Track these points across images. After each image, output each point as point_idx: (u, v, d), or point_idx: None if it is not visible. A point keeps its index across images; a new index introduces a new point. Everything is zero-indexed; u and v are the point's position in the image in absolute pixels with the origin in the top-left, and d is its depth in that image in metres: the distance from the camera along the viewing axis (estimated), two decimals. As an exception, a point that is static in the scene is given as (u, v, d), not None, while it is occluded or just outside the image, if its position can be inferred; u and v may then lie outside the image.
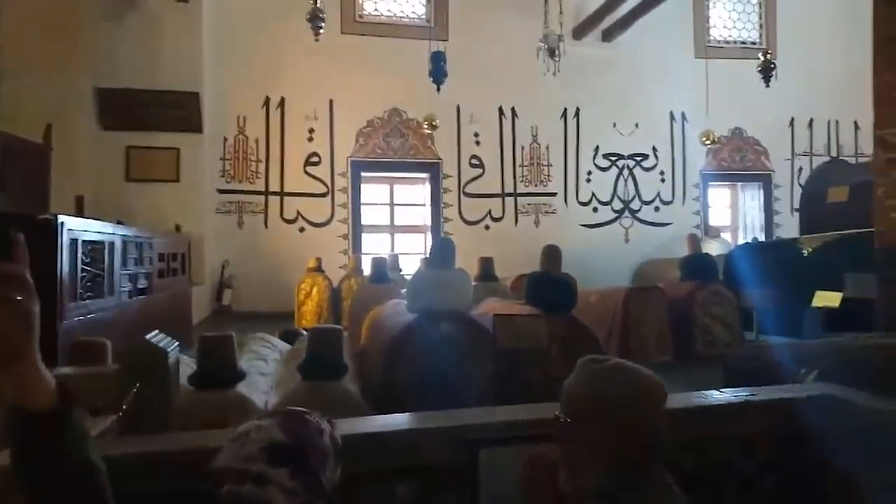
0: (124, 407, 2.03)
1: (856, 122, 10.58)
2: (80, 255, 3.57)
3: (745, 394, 2.02)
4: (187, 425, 2.87)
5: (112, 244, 4.10)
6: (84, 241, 3.65)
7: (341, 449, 0.92)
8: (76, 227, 3.56)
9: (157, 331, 2.56)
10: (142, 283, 4.78)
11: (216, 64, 8.26)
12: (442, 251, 3.32)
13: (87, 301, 3.71)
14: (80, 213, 5.85)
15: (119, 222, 4.76)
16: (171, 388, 2.45)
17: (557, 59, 5.10)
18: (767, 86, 5.93)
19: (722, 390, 2.08)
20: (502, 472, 1.69)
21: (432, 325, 3.07)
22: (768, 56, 5.77)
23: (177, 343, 2.57)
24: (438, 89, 5.76)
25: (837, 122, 10.61)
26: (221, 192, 8.74)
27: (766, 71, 5.69)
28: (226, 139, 8.78)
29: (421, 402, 2.95)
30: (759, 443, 1.96)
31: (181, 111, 7.44)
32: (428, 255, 3.75)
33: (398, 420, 1.78)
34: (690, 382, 4.48)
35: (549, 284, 3.55)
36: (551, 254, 3.73)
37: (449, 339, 3.05)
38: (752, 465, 1.96)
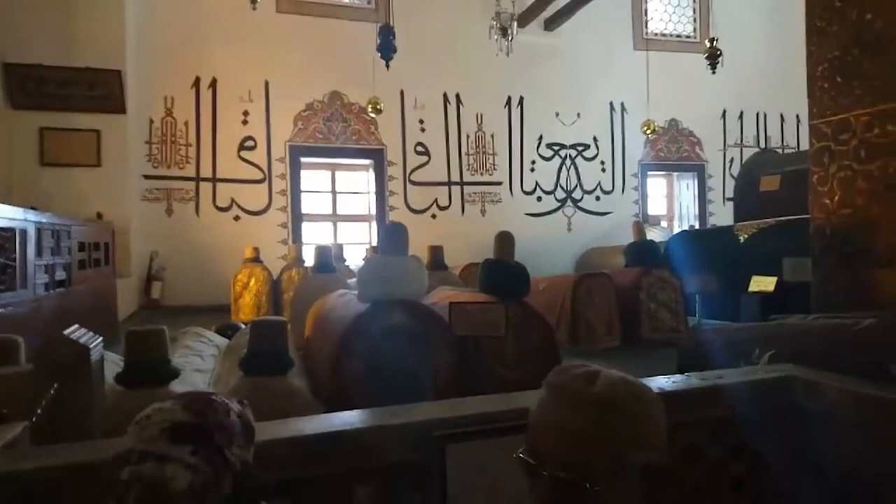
0: (38, 412, 1.77)
1: (782, 115, 11.13)
2: (-15, 242, 3.20)
3: (713, 377, 1.98)
4: (115, 428, 2.61)
5: (24, 231, 3.71)
6: (-11, 228, 3.28)
7: (252, 428, 0.93)
8: (-21, 212, 3.17)
9: (76, 325, 2.27)
10: (60, 275, 4.37)
11: (140, 39, 7.70)
12: (394, 237, 3.16)
13: (-4, 294, 3.33)
14: (-13, 198, 5.31)
15: (33, 209, 4.32)
16: (93, 389, 2.17)
17: (510, 38, 4.99)
18: (714, 72, 6.07)
19: (688, 374, 2.04)
20: (470, 468, 1.58)
21: (385, 315, 2.91)
22: (715, 43, 5.89)
23: (100, 339, 2.29)
24: (387, 66, 5.55)
25: (766, 114, 11.11)
26: (148, 177, 8.19)
27: (713, 58, 5.82)
28: (152, 121, 8.22)
29: (376, 396, 2.80)
30: (726, 427, 1.93)
31: (101, 90, 6.89)
32: (378, 242, 3.57)
33: (355, 417, 1.62)
34: (641, 367, 4.55)
35: (504, 271, 3.45)
36: (505, 241, 3.64)
37: (404, 329, 2.90)
38: (719, 450, 1.93)
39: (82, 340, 2.27)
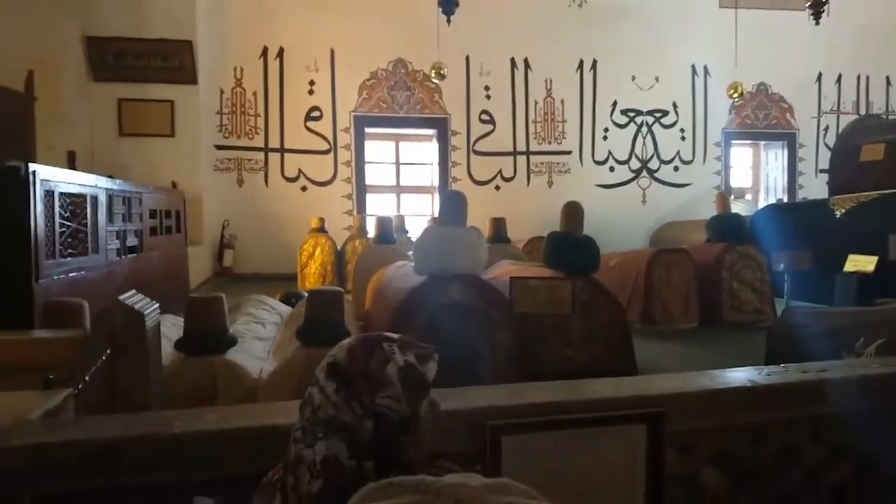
0: (86, 379, 1.74)
1: (888, 78, 10.03)
2: (57, 207, 3.28)
3: (815, 370, 1.71)
4: (173, 394, 2.63)
5: (95, 198, 3.80)
6: (62, 194, 3.36)
7: (421, 383, 0.91)
8: (52, 178, 3.25)
9: (133, 291, 2.25)
10: (131, 241, 4.51)
11: (210, 11, 7.78)
12: (452, 206, 2.99)
13: (69, 258, 3.43)
14: (72, 168, 5.55)
15: (110, 177, 4.45)
16: (148, 356, 2.15)
17: (586, -10, 4.62)
18: (817, 23, 5.42)
19: (785, 366, 1.77)
20: (528, 464, 1.41)
21: (442, 290, 2.77)
22: (820, -11, 5.23)
23: (156, 305, 2.27)
24: (448, 21, 5.30)
25: (868, 77, 10.03)
26: (220, 147, 8.37)
27: (817, 6, 5.18)
28: (222, 91, 8.36)
29: (430, 373, 2.68)
30: (829, 427, 1.67)
31: (174, 61, 7.04)
32: (437, 212, 3.43)
33: (405, 399, 1.48)
34: (721, 352, 4.22)
35: (572, 245, 3.22)
36: (573, 212, 3.39)
37: (460, 304, 2.75)
38: (820, 453, 1.68)
39: (137, 306, 2.25)
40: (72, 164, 5.76)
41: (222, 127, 8.40)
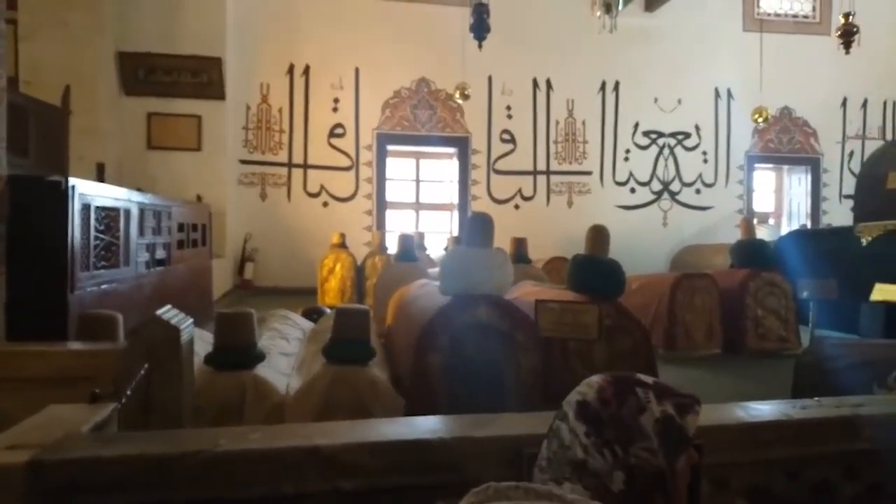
0: (128, 393, 1.78)
1: (913, 104, 9.95)
2: (93, 221, 3.37)
3: (850, 404, 1.70)
4: (202, 409, 2.66)
5: (128, 211, 3.89)
6: (97, 207, 3.45)
7: (680, 439, 0.86)
8: (89, 192, 3.34)
9: (169, 306, 2.30)
10: (160, 254, 4.59)
11: (239, 28, 7.98)
12: (480, 229, 3.01)
13: (102, 270, 3.51)
14: (101, 180, 5.69)
15: (139, 190, 4.55)
16: (183, 370, 2.19)
17: (614, 15, 4.66)
18: (847, 52, 5.41)
19: (819, 399, 1.76)
20: (562, 490, 1.42)
21: (468, 310, 2.78)
22: (850, 19, 5.21)
23: (191, 320, 2.31)
24: (480, 46, 5.37)
25: (894, 103, 9.95)
26: (244, 162, 8.52)
27: (847, 35, 5.16)
28: (248, 107, 8.54)
29: (457, 393, 2.69)
30: (865, 463, 1.65)
31: (203, 77, 7.21)
32: (463, 233, 3.45)
33: (440, 424, 1.50)
34: (745, 381, 4.17)
35: (598, 269, 3.23)
36: (600, 236, 3.40)
37: (487, 325, 2.76)
38: (856, 490, 1.66)
39: (174, 321, 2.30)
40: (101, 175, 5.90)
41: (247, 142, 8.56)
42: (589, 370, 3.20)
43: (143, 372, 2.06)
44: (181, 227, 5.25)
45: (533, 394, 2.72)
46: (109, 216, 3.62)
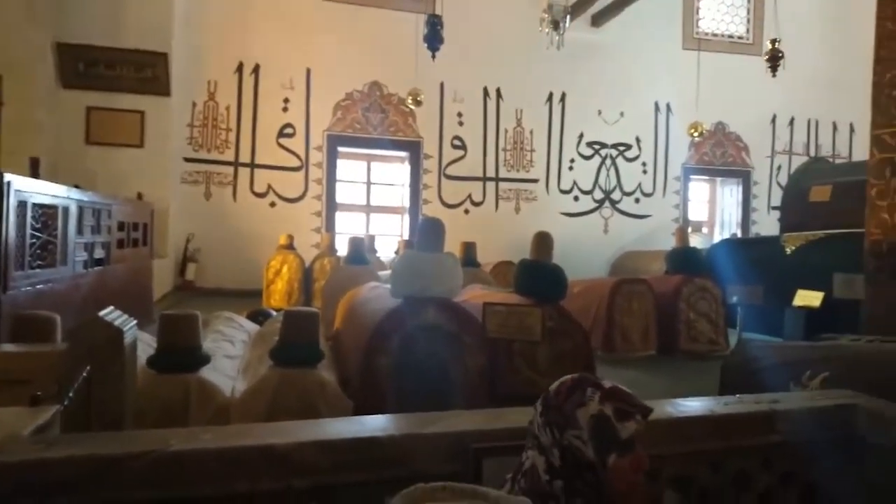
0: (70, 395, 1.75)
1: (834, 123, 10.69)
2: (29, 218, 3.24)
3: (767, 401, 1.86)
4: (144, 412, 2.61)
5: (66, 209, 3.76)
6: (34, 205, 3.32)
7: (610, 437, 0.99)
8: (25, 189, 3.22)
9: (111, 307, 2.26)
10: (99, 254, 4.44)
11: (186, 23, 7.78)
12: (431, 233, 3.08)
13: (37, 270, 3.38)
14: (35, 176, 5.43)
15: (76, 187, 4.39)
16: (126, 373, 2.16)
17: (561, 32, 4.83)
18: (774, 75, 5.81)
19: (740, 396, 1.92)
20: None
21: (419, 312, 2.85)
22: (777, 44, 5.61)
23: (134, 321, 2.27)
24: (433, 57, 5.47)
25: (817, 121, 10.68)
26: (188, 160, 8.30)
27: (774, 60, 5.55)
28: (195, 104, 8.32)
29: (404, 395, 2.74)
30: (780, 454, 1.81)
31: (147, 72, 6.99)
32: (415, 237, 3.52)
33: (389, 423, 1.56)
34: (677, 380, 4.40)
35: (542, 274, 3.35)
36: (544, 241, 3.53)
37: (437, 327, 2.83)
38: (770, 479, 1.81)
39: (117, 323, 2.26)
40: (34, 171, 5.62)
41: (192, 140, 8.35)
42: (532, 370, 3.33)
43: (84, 374, 2.02)
44: (121, 226, 5.09)
45: (479, 393, 2.81)
46: (46, 214, 3.49)
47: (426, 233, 3.06)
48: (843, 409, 1.84)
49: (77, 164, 6.66)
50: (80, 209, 4.00)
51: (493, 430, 1.52)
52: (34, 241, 3.30)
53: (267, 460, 1.32)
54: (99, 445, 1.30)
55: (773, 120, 10.57)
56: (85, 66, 6.79)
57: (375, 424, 1.54)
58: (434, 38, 5.28)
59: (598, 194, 9.86)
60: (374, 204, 9.41)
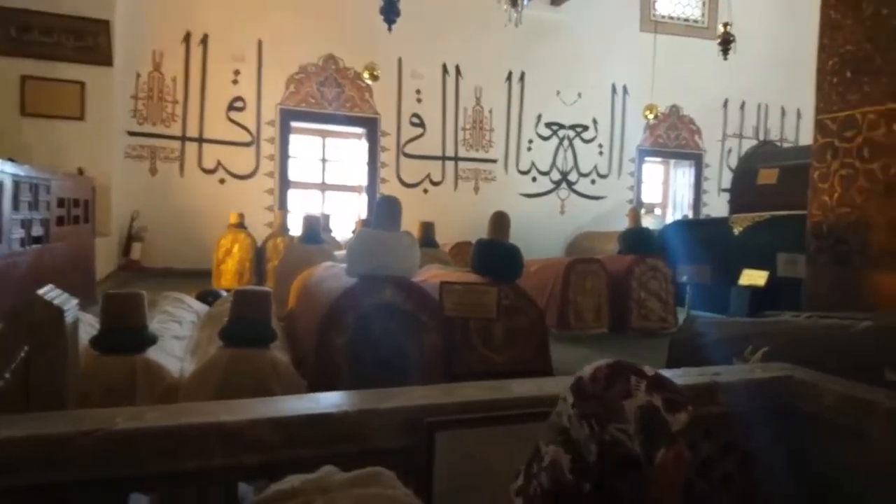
0: (6, 376, 1.67)
1: (783, 108, 11.07)
2: (-43, 193, 3.05)
3: (710, 373, 1.93)
4: (88, 393, 2.52)
5: (1, 183, 3.54)
6: (-37, 178, 3.12)
7: (660, 430, 0.87)
8: (-48, 161, 3.01)
9: (51, 285, 2.16)
10: (37, 231, 4.22)
11: (131, -11, 7.39)
12: (387, 211, 3.06)
13: (-33, 247, 3.19)
14: (-38, 147, 5.12)
15: (10, 160, 4.15)
16: (67, 353, 2.07)
17: (520, 9, 4.81)
18: (725, 58, 5.95)
19: (685, 369, 1.99)
20: (459, 456, 1.52)
21: (374, 291, 2.83)
22: (728, 28, 5.74)
23: (76, 300, 2.18)
24: (389, 29, 5.35)
25: (767, 106, 11.03)
26: (132, 134, 7.95)
27: (726, 43, 5.68)
28: (139, 75, 7.94)
29: (360, 373, 2.73)
30: (720, 424, 1.89)
31: (88, 40, 6.63)
32: (372, 215, 3.48)
33: (343, 399, 1.55)
34: (628, 356, 4.52)
35: (499, 253, 3.38)
36: (501, 221, 3.55)
37: (392, 306, 2.82)
38: (711, 448, 1.89)
39: (56, 301, 2.16)
40: (-36, 142, 5.31)
41: (136, 112, 7.99)
42: (488, 347, 3.37)
43: (23, 354, 1.93)
44: (61, 203, 4.85)
45: (435, 371, 2.82)
46: (-23, 188, 3.29)
47: (383, 211, 3.03)
48: (780, 380, 1.93)
49: (11, 137, 6.29)
50: (16, 184, 3.79)
51: (446, 404, 1.53)
52: (-36, 216, 3.11)
53: (218, 437, 1.30)
54: (39, 426, 1.25)
55: (725, 104, 10.86)
56: (18, 31, 6.39)
57: (330, 401, 1.53)
58: (391, 11, 5.17)
59: (556, 175, 9.95)
60: (329, 182, 9.24)
